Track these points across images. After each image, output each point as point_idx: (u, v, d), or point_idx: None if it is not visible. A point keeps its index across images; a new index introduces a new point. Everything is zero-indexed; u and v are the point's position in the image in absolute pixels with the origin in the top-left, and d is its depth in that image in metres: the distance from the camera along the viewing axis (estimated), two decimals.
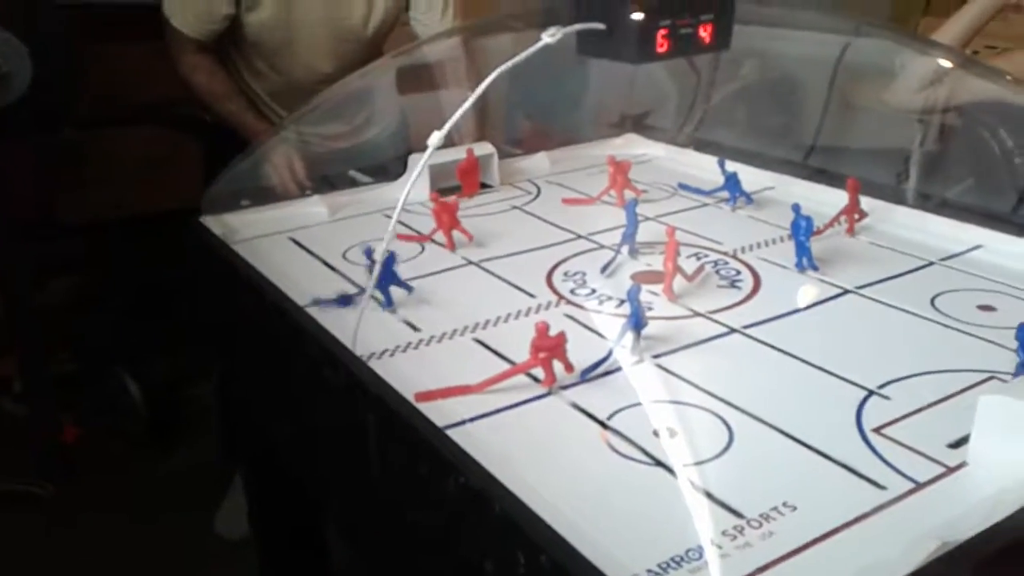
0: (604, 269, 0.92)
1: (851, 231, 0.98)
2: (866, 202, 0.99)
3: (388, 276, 0.84)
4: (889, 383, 0.67)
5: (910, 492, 0.55)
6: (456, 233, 0.99)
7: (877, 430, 0.62)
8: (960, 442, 0.59)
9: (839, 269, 0.89)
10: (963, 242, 0.93)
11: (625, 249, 0.96)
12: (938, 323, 0.78)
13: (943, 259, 0.91)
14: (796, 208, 0.90)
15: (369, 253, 0.85)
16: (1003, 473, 0.55)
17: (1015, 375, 0.66)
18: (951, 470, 0.57)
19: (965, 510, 0.53)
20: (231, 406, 1.17)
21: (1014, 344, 0.68)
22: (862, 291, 0.84)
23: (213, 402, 1.70)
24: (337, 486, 0.82)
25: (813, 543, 0.51)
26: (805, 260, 0.89)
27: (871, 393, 0.66)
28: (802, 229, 0.89)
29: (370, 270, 0.86)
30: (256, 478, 1.20)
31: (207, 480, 1.67)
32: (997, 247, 0.91)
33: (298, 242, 1.00)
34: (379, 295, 0.84)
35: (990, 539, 0.50)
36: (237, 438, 1.18)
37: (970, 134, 1.40)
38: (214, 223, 1.02)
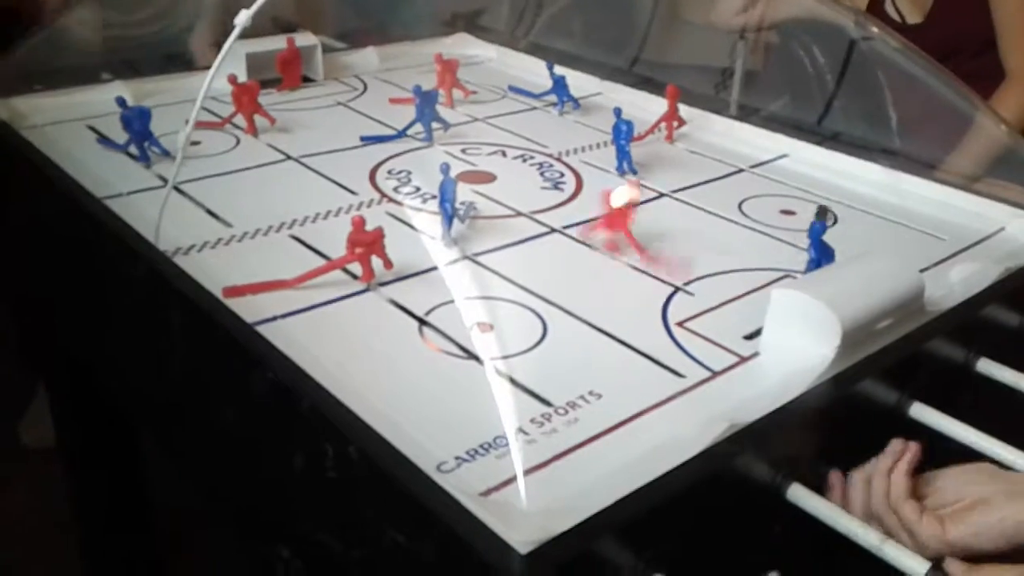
0: (368, 139, 0.96)
1: (670, 138, 1.01)
2: (685, 111, 1.02)
3: (145, 133, 0.86)
4: (694, 280, 0.71)
5: (706, 380, 0.59)
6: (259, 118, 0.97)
7: (680, 323, 0.65)
8: (754, 334, 0.63)
9: (657, 174, 0.91)
10: (771, 151, 0.98)
11: (422, 135, 0.97)
12: (744, 226, 0.82)
13: (752, 166, 0.95)
14: (617, 112, 0.91)
15: (122, 102, 0.87)
16: (790, 361, 0.59)
17: (806, 272, 0.71)
18: (744, 359, 0.61)
19: (755, 395, 0.56)
20: (26, 311, 1.08)
21: (808, 244, 0.72)
22: (676, 195, 0.87)
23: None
24: (144, 390, 0.78)
25: (614, 428, 0.53)
26: (625, 164, 0.91)
27: (677, 290, 0.69)
28: (623, 133, 0.90)
29: (127, 129, 0.87)
30: (59, 386, 1.13)
31: (8, 390, 1.57)
32: (801, 156, 0.96)
33: (96, 130, 0.93)
34: (135, 151, 0.87)
35: (774, 420, 0.53)
36: (36, 345, 1.10)
37: (787, 51, 1.46)
38: None
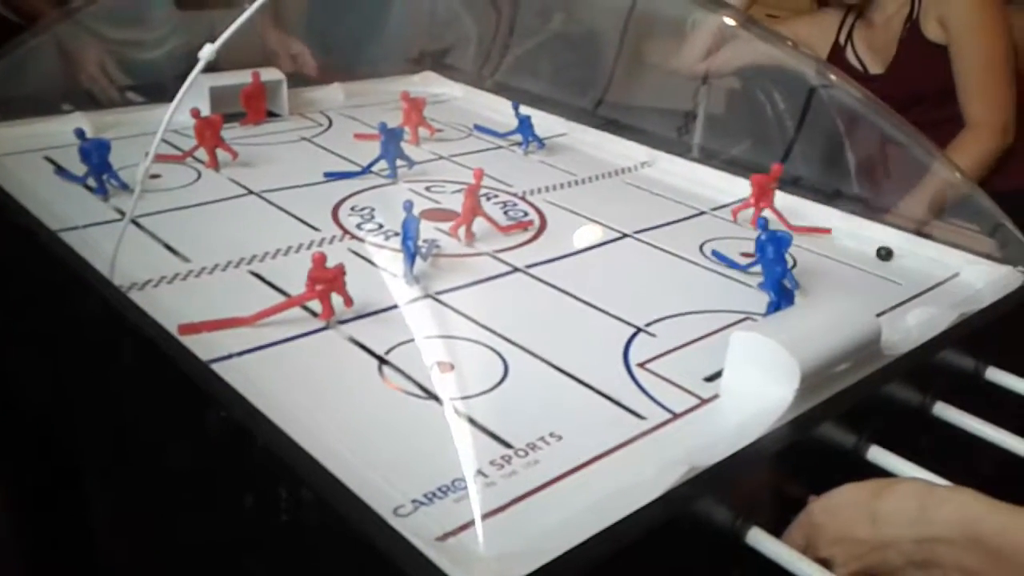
0: (331, 175, 0.96)
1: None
2: (647, 153, 1.03)
3: (103, 165, 0.84)
4: (656, 321, 0.71)
5: (667, 422, 0.58)
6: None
7: (642, 365, 0.65)
8: (715, 376, 0.63)
9: (619, 214, 0.92)
10: (732, 194, 0.98)
11: (386, 172, 0.97)
12: (705, 267, 0.82)
13: (714, 209, 0.96)
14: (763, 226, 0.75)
15: (81, 134, 0.86)
16: (749, 403, 0.59)
17: (766, 314, 0.71)
18: (704, 401, 0.61)
19: (714, 438, 0.56)
20: None
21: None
22: (639, 235, 0.87)
23: None
24: (93, 429, 0.76)
25: (574, 470, 0.52)
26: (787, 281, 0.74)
27: (639, 330, 0.69)
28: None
29: (85, 161, 0.85)
30: (6, 431, 1.09)
31: None
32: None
33: (54, 161, 0.91)
34: (93, 183, 0.86)
35: (733, 463, 0.53)
36: None
37: (748, 97, 1.49)
38: None
